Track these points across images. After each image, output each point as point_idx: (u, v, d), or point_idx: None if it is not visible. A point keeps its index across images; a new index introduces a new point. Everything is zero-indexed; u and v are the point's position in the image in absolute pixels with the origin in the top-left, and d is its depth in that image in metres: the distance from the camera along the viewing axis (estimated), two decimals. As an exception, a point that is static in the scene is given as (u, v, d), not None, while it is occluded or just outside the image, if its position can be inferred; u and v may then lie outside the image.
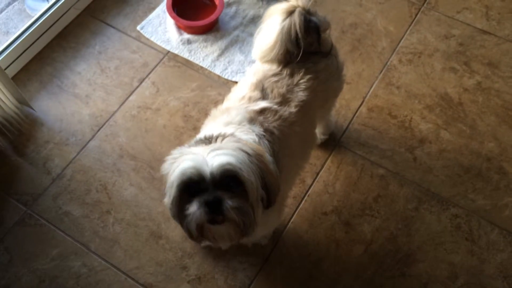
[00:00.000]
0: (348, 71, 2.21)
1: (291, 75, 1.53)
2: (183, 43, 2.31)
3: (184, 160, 1.21)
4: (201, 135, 1.41)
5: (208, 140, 1.31)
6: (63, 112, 2.15)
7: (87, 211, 1.93)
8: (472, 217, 1.91)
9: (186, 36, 2.32)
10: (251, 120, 1.43)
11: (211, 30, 2.34)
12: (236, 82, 1.95)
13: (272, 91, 1.50)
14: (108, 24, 2.37)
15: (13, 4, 2.45)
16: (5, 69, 2.14)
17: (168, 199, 1.26)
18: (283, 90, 1.50)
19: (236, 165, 1.19)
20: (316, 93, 1.55)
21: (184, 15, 2.32)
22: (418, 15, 2.39)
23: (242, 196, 1.22)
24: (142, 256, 1.85)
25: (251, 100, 1.49)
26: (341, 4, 2.43)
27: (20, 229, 1.89)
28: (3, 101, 2.03)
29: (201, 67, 2.26)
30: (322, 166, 2.01)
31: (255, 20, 2.35)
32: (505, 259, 1.83)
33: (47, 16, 2.24)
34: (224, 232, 1.27)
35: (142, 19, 2.38)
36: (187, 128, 2.10)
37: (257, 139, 1.37)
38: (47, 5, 2.27)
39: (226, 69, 2.25)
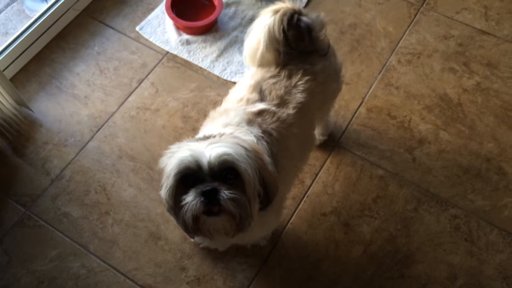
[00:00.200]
0: (347, 72, 2.21)
1: (289, 76, 1.53)
2: (182, 44, 2.30)
3: (182, 151, 1.22)
4: (200, 135, 1.41)
5: (207, 138, 1.31)
6: (62, 113, 2.15)
7: (86, 212, 1.93)
8: (471, 217, 1.91)
9: (185, 36, 2.32)
10: (250, 122, 1.43)
11: (210, 30, 2.34)
12: (235, 83, 1.95)
13: (270, 93, 1.50)
14: (107, 25, 2.37)
15: (12, 5, 2.45)
16: (4, 70, 2.14)
17: (164, 190, 1.25)
18: (281, 92, 1.50)
19: (234, 156, 1.19)
20: (314, 94, 1.55)
21: (183, 15, 2.32)
22: (417, 16, 2.39)
23: (239, 189, 1.22)
24: (141, 257, 1.85)
25: (249, 102, 1.49)
26: (340, 5, 2.42)
27: (19, 230, 1.89)
28: (1, 103, 2.03)
29: (200, 68, 2.25)
30: (321, 167, 2.01)
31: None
32: (504, 260, 1.83)
33: (46, 17, 2.24)
34: (220, 225, 1.26)
35: (141, 20, 2.38)
36: (186, 129, 2.10)
37: (255, 140, 1.37)
38: (46, 6, 2.27)
39: (225, 69, 2.25)
